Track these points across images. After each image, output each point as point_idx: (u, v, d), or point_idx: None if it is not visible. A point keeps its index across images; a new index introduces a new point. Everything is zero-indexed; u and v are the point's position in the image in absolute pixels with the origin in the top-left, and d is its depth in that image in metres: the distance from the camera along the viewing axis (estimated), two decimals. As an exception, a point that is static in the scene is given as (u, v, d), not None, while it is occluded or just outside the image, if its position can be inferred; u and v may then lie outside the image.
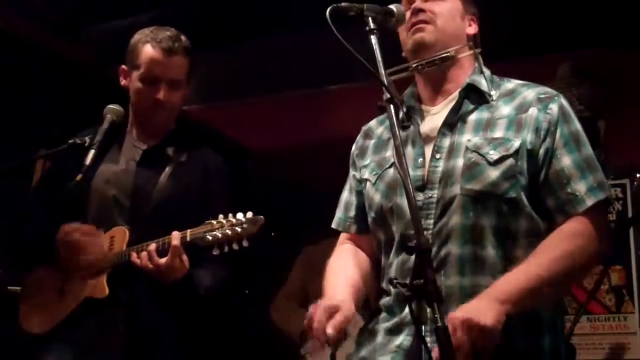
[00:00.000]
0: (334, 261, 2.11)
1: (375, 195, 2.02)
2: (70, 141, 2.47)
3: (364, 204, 2.09)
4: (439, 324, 1.52)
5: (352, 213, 2.15)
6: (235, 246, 2.21)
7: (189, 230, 2.28)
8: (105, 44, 3.99)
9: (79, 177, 2.36)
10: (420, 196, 1.87)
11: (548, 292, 1.79)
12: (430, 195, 1.89)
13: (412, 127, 2.00)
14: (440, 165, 1.90)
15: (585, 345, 3.79)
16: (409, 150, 1.95)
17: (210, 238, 2.22)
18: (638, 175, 3.91)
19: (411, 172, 1.83)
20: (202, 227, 2.25)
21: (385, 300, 1.99)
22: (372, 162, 2.08)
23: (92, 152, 2.39)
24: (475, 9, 2.15)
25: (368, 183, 2.06)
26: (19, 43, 3.76)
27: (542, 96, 1.94)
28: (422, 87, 2.08)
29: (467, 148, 1.88)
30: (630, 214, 3.90)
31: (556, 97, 1.94)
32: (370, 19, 1.82)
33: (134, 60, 2.49)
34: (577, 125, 1.93)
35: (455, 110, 1.97)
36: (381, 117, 2.17)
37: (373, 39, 1.80)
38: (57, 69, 3.93)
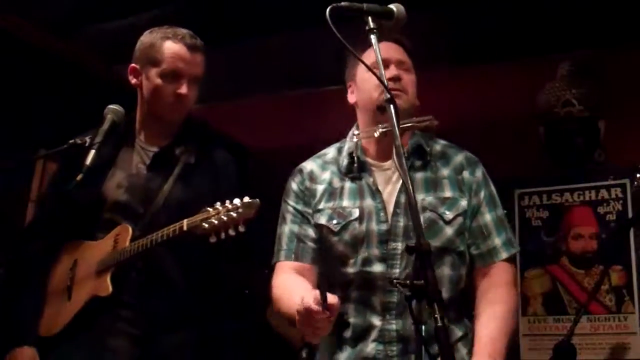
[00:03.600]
0: (287, 284, 2.16)
1: (338, 245, 2.16)
2: (71, 141, 2.45)
3: (315, 236, 2.21)
4: (439, 324, 1.52)
5: (311, 244, 2.22)
6: (231, 232, 2.19)
7: (185, 220, 2.26)
8: (105, 44, 3.99)
9: (79, 177, 2.34)
10: (384, 247, 2.10)
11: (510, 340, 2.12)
12: (394, 246, 2.10)
13: (364, 180, 2.18)
14: (402, 221, 2.11)
15: (585, 345, 3.79)
16: (369, 202, 2.15)
17: (206, 225, 2.20)
18: (638, 175, 3.90)
19: (376, 226, 2.12)
20: (199, 216, 2.23)
21: (347, 333, 2.13)
22: (329, 209, 2.20)
23: (92, 153, 2.38)
24: None
25: (326, 230, 2.18)
26: (19, 43, 3.76)
27: (470, 160, 2.25)
28: (370, 144, 2.23)
29: (423, 207, 2.11)
30: (630, 214, 3.89)
31: (478, 163, 2.27)
32: (370, 18, 1.82)
33: (152, 56, 2.46)
34: (493, 188, 2.26)
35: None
36: (319, 161, 2.31)
37: (373, 39, 1.81)
38: (57, 69, 3.93)
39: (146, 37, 2.52)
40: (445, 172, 2.20)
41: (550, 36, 3.83)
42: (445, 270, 2.11)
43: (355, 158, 2.21)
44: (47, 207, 2.60)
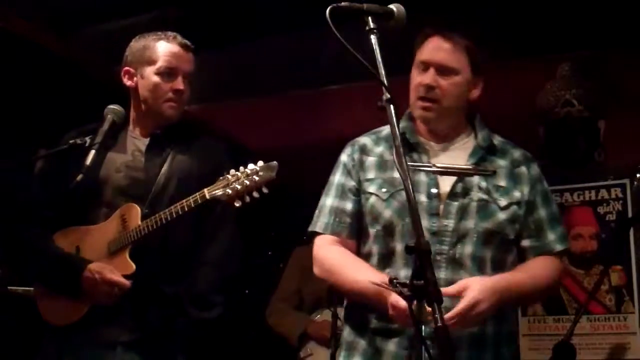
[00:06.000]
0: (339, 253, 2.23)
1: (385, 211, 2.19)
2: (71, 141, 2.47)
3: (360, 212, 2.25)
4: (439, 323, 1.52)
5: (347, 219, 2.27)
6: (255, 194, 2.26)
7: (206, 189, 2.31)
8: (105, 44, 3.99)
9: (79, 177, 2.36)
10: (434, 222, 2.14)
11: (521, 299, 2.31)
12: (445, 223, 2.14)
13: (418, 157, 2.23)
14: (456, 201, 2.17)
15: (585, 345, 3.79)
16: (422, 178, 2.19)
17: (230, 192, 2.26)
18: (638, 175, 3.90)
19: (426, 199, 2.17)
20: (219, 183, 2.29)
21: None
22: (379, 179, 2.24)
23: (92, 153, 2.41)
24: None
25: (374, 197, 2.22)
26: (19, 43, 3.76)
27: (527, 157, 2.32)
28: (424, 129, 2.30)
29: (479, 188, 2.18)
30: (630, 214, 3.90)
31: (534, 160, 2.33)
32: (370, 18, 1.83)
33: (148, 56, 2.54)
34: (547, 186, 2.33)
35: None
36: (373, 136, 2.34)
37: (373, 39, 1.81)
38: (57, 69, 3.93)
39: (137, 42, 2.61)
40: (501, 163, 2.27)
41: (550, 36, 3.83)
42: (488, 253, 2.17)
43: (409, 139, 2.26)
44: (39, 193, 2.59)
